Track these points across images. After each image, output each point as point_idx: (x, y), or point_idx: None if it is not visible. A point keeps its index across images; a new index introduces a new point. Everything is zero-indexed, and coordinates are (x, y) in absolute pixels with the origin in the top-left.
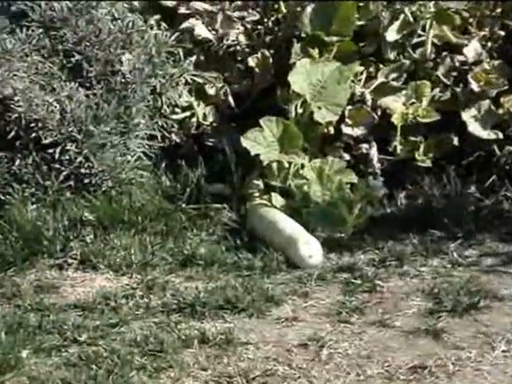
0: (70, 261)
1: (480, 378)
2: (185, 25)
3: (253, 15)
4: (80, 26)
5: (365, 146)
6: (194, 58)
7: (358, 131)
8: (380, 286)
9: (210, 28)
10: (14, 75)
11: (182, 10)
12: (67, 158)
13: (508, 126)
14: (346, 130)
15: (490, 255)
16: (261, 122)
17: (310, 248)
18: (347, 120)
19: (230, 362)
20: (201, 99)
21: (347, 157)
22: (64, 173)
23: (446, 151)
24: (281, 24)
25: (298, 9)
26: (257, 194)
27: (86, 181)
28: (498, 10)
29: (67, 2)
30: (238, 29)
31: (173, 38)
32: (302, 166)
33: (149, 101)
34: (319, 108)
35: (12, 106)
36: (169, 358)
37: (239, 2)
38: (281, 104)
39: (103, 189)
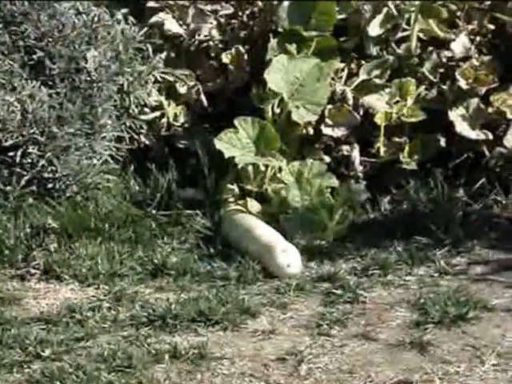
0: (32, 271)
1: None
2: (154, 19)
3: (226, 8)
4: (42, 20)
5: (346, 147)
6: (163, 55)
7: (338, 132)
8: (362, 297)
9: (180, 22)
10: None
11: (151, 3)
12: (29, 161)
13: (498, 126)
14: (326, 130)
15: (479, 263)
16: (235, 122)
17: (288, 256)
18: (327, 120)
19: (203, 378)
20: (171, 98)
21: (327, 159)
22: (26, 177)
23: (432, 153)
24: (256, 18)
25: (275, 2)
26: (231, 199)
27: (50, 186)
28: (487, 3)
29: None
30: (211, 23)
31: (141, 33)
32: (280, 170)
33: (116, 100)
34: (297, 107)
35: None
36: (138, 374)
37: None
38: (257, 103)
39: (68, 194)
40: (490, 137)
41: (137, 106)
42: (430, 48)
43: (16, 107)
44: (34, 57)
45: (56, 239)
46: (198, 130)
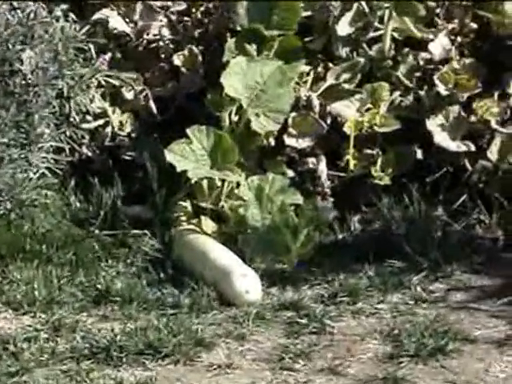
0: None
1: None
2: (97, 16)
3: (178, 4)
4: None
5: (312, 160)
6: (108, 56)
7: (303, 143)
8: (330, 327)
9: (127, 20)
10: None
11: None
12: None
13: (481, 137)
14: (289, 141)
15: (459, 289)
16: (188, 132)
17: (246, 282)
18: (291, 129)
19: None
20: (117, 105)
21: (291, 173)
22: None
23: (407, 166)
24: (212, 15)
25: None
26: (184, 218)
27: None
28: None
29: None
30: (161, 21)
31: (83, 31)
32: (238, 185)
33: (54, 107)
34: (257, 115)
35: None
36: None
37: None
38: (212, 110)
39: (0, 212)
40: (473, 148)
41: (78, 114)
42: (406, 49)
43: None
44: None
45: None
46: (146, 141)
